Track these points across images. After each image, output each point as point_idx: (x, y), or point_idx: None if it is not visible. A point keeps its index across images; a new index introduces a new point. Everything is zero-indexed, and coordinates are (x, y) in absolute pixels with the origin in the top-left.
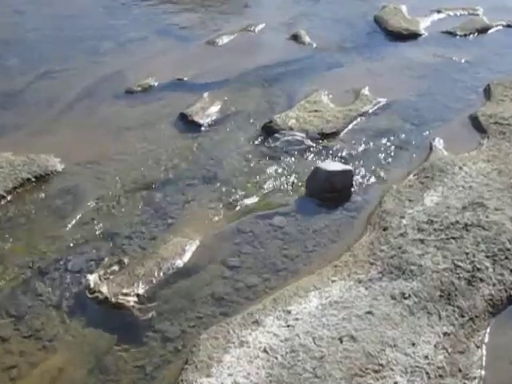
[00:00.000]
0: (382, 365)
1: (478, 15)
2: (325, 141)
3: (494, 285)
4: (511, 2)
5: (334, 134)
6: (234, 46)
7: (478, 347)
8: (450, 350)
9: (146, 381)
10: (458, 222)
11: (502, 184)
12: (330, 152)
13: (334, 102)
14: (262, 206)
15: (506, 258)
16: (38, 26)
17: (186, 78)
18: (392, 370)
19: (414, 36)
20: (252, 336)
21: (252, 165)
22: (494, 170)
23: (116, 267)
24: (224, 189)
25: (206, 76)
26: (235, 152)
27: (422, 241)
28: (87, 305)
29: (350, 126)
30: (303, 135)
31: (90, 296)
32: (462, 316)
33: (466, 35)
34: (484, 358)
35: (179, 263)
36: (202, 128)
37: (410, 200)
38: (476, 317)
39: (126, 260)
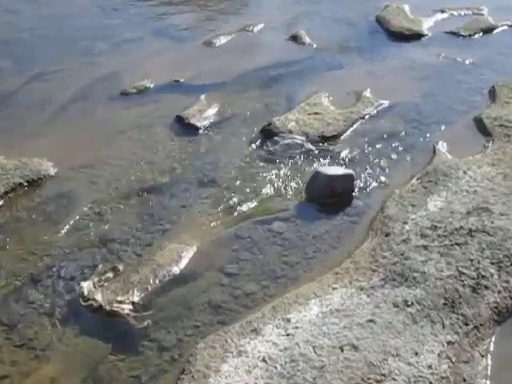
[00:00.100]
0: (384, 375)
1: (482, 15)
2: (325, 144)
3: (499, 292)
4: None
5: (334, 138)
6: (231, 46)
7: (482, 356)
8: (454, 360)
9: None
10: (462, 227)
11: (507, 188)
12: (331, 156)
13: (335, 104)
14: (261, 212)
15: None
16: (31, 26)
17: (182, 80)
18: (394, 379)
19: (416, 36)
20: (250, 345)
21: (250, 169)
22: (499, 174)
23: (110, 274)
24: (222, 193)
25: (203, 77)
26: (233, 156)
27: (425, 247)
28: (81, 313)
29: (351, 129)
30: (303, 138)
31: (83, 304)
32: (467, 324)
33: (470, 35)
34: (489, 368)
35: (175, 270)
36: (199, 131)
37: (412, 205)
38: (481, 325)
39: (120, 267)
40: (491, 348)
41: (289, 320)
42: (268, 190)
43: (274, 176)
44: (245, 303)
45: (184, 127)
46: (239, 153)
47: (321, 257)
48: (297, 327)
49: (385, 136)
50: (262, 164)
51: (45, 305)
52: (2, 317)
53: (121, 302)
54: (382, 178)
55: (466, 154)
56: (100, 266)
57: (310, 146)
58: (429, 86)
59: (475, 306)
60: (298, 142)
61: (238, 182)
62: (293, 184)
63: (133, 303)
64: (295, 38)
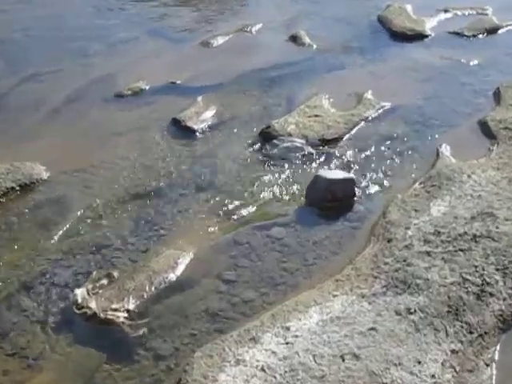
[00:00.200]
0: None
1: (487, 15)
2: (325, 147)
3: (504, 299)
4: None
5: (335, 141)
6: (229, 47)
7: (487, 365)
8: (458, 369)
9: None
10: (466, 233)
11: None
12: (331, 159)
13: (336, 106)
14: (260, 217)
15: None
16: (24, 26)
17: (179, 81)
18: None
19: (419, 37)
20: (249, 354)
21: (249, 173)
22: (504, 179)
23: (105, 281)
24: (219, 198)
25: (200, 79)
26: (231, 159)
27: (428, 253)
28: (75, 321)
29: (352, 132)
30: (303, 141)
31: (77, 312)
32: (471, 332)
33: (474, 36)
34: (494, 377)
35: (172, 277)
36: (196, 134)
37: (415, 210)
38: (485, 333)
39: (115, 273)
40: (496, 357)
41: (288, 328)
42: (267, 194)
43: (273, 180)
44: (243, 311)
45: (180, 130)
46: (237, 156)
47: (321, 263)
48: (296, 335)
49: (387, 139)
50: (260, 168)
51: (37, 312)
52: None
53: (116, 310)
54: (384, 182)
55: (470, 157)
56: (94, 272)
57: (309, 149)
58: (432, 87)
59: (480, 313)
60: (298, 145)
61: (236, 187)
62: (292, 188)
63: (128, 311)
64: (295, 39)
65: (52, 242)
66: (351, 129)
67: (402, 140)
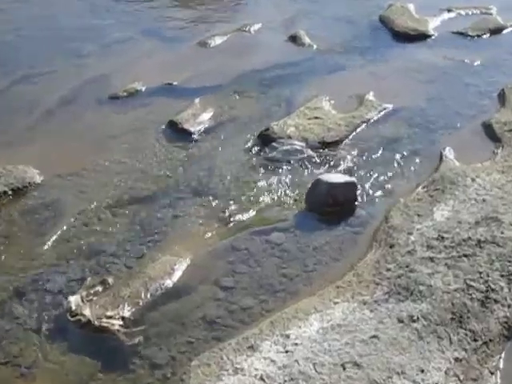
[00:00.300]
0: None
1: (491, 14)
2: (326, 150)
3: (509, 306)
4: None
5: (336, 143)
6: (227, 47)
7: (492, 374)
8: (461, 377)
9: None
10: (470, 238)
11: None
12: (332, 162)
13: (336, 108)
14: (258, 222)
15: None
16: (17, 26)
17: (175, 83)
18: None
19: (422, 37)
20: (247, 362)
21: (247, 177)
22: (509, 182)
23: (100, 288)
24: (217, 202)
25: (197, 80)
26: (229, 163)
27: (431, 259)
28: (68, 329)
29: (354, 135)
30: (303, 144)
31: (71, 319)
32: (475, 340)
33: (478, 36)
34: None
35: (168, 283)
36: (193, 136)
37: (418, 215)
38: (490, 341)
39: (110, 280)
40: (501, 365)
41: (288, 336)
42: (266, 198)
43: (272, 184)
44: (241, 318)
45: (177, 133)
46: (235, 159)
47: (321, 269)
48: (296, 344)
49: (389, 142)
50: (259, 171)
51: (30, 320)
52: None
53: (110, 317)
54: (386, 186)
55: (475, 160)
56: (88, 279)
57: (310, 152)
58: (435, 89)
59: (484, 320)
60: (298, 148)
61: (234, 191)
62: (292, 192)
63: (123, 318)
64: (294, 39)
65: (45, 247)
66: (352, 131)
67: (404, 143)
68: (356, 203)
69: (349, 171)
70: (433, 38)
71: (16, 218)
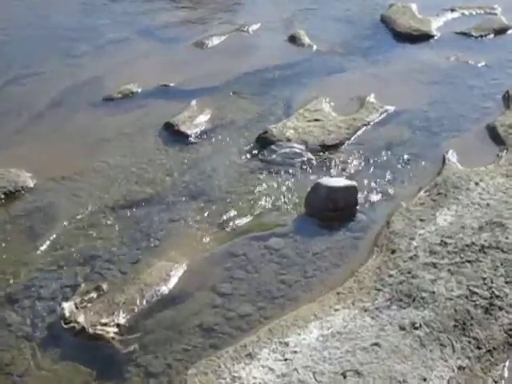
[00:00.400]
0: None
1: (495, 14)
2: (326, 153)
3: None
4: None
5: (336, 146)
6: (225, 48)
7: (496, 382)
8: None
9: None
10: (474, 243)
11: None
12: (332, 166)
13: (337, 110)
14: (257, 227)
15: None
16: (7, 25)
17: (171, 84)
18: None
19: (424, 37)
20: (245, 371)
21: (245, 180)
22: None
23: (94, 294)
24: (214, 207)
25: (194, 81)
26: (226, 166)
27: (434, 265)
28: (62, 336)
29: (354, 137)
30: (302, 147)
31: (65, 326)
32: (479, 348)
33: (482, 36)
34: None
35: (164, 290)
36: (190, 139)
37: (420, 219)
38: (494, 349)
39: (104, 286)
40: (505, 373)
41: (287, 344)
42: (264, 203)
43: (270, 188)
44: (239, 325)
45: (173, 135)
46: (233, 163)
47: (321, 275)
48: (295, 351)
49: (390, 145)
50: (257, 175)
51: (23, 327)
52: None
53: (105, 325)
54: (388, 190)
55: (478, 164)
56: (82, 285)
57: (309, 155)
58: (438, 90)
59: (488, 328)
60: (297, 151)
61: (232, 195)
62: (291, 197)
63: (118, 326)
64: (294, 39)
65: (38, 252)
66: (353, 134)
67: (406, 146)
68: (357, 208)
69: (349, 175)
70: (435, 38)
71: (8, 222)
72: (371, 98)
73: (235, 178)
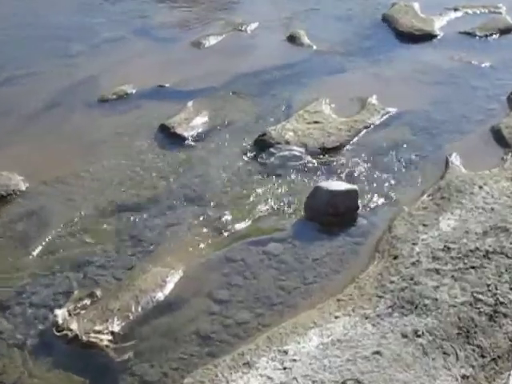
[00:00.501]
0: None
1: (500, 14)
2: (326, 156)
3: None
4: None
5: (336, 149)
6: (222, 47)
7: None
8: None
9: None
10: (478, 249)
11: None
12: (332, 169)
13: (337, 112)
14: (255, 231)
15: None
16: (1, 25)
17: (167, 85)
18: None
19: (427, 37)
20: (243, 380)
21: (243, 184)
22: None
23: (87, 301)
24: (211, 211)
25: (190, 82)
26: (224, 169)
27: (437, 271)
28: (54, 344)
29: (355, 140)
30: (302, 150)
31: (57, 334)
32: (483, 356)
33: (486, 36)
34: None
35: (160, 296)
36: (186, 142)
37: (423, 224)
38: (499, 357)
39: (98, 293)
40: (510, 383)
41: (286, 352)
42: (263, 207)
43: (269, 192)
44: (237, 333)
45: (169, 137)
46: (230, 166)
47: (321, 282)
48: (294, 360)
49: (392, 147)
50: (255, 179)
51: (15, 335)
52: None
53: (99, 332)
54: (390, 194)
55: (482, 167)
56: (76, 291)
57: (309, 158)
58: (441, 91)
59: (492, 335)
60: (296, 154)
61: (230, 199)
62: (290, 201)
63: (112, 333)
64: (293, 39)
65: (30, 258)
66: (354, 136)
67: (408, 148)
68: (357, 212)
69: (350, 178)
70: (438, 38)
71: (0, 226)
72: (373, 100)
73: (233, 182)
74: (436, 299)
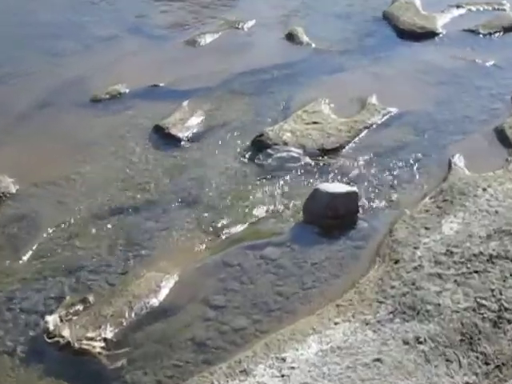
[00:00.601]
0: None
1: (504, 11)
2: (325, 158)
3: None
4: None
5: (336, 150)
6: (218, 46)
7: None
8: None
9: None
10: (481, 253)
11: None
12: (332, 171)
13: (336, 112)
14: (252, 235)
15: None
16: None
17: (162, 84)
18: None
19: (429, 35)
20: None
21: (240, 186)
22: None
23: (80, 307)
24: (207, 214)
25: (185, 82)
26: (220, 171)
27: (439, 275)
28: (46, 351)
29: (355, 141)
30: (300, 151)
31: (49, 341)
32: (487, 363)
33: (490, 34)
34: None
35: (154, 302)
36: (181, 143)
37: (425, 227)
38: (503, 364)
39: (91, 298)
40: None
41: (284, 359)
42: (260, 210)
43: (266, 194)
44: (233, 340)
45: (164, 138)
46: (227, 168)
47: (320, 287)
48: (293, 367)
49: (393, 148)
50: (253, 181)
51: (4, 341)
52: None
53: (91, 339)
54: (391, 197)
55: (486, 169)
56: (67, 297)
57: (307, 159)
58: (443, 91)
59: (496, 342)
60: (295, 155)
61: (226, 202)
62: (288, 204)
63: (105, 340)
64: (291, 37)
65: (21, 262)
66: (354, 137)
67: (410, 150)
68: (358, 215)
69: (350, 180)
70: (441, 36)
71: None
72: (373, 99)
73: (229, 184)
74: (438, 305)
